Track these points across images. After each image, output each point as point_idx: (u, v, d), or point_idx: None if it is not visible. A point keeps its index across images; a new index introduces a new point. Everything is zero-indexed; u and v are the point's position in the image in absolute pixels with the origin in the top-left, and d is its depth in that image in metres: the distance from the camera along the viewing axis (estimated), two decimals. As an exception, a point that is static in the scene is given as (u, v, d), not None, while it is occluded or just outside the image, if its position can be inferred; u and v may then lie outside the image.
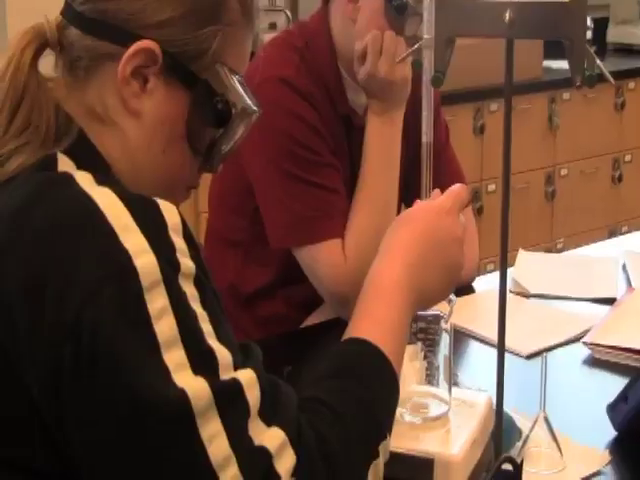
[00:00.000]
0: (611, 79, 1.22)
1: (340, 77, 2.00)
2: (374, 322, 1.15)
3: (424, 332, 1.32)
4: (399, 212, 1.97)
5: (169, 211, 1.00)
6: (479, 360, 1.87)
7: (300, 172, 1.91)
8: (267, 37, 3.43)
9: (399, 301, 1.17)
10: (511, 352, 1.79)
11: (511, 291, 2.08)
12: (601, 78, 1.20)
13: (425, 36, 1.29)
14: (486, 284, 2.16)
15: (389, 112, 1.94)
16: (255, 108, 1.17)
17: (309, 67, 1.97)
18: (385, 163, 1.95)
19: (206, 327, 0.97)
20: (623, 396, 1.53)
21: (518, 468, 1.27)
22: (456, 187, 1.30)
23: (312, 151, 1.92)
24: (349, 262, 1.89)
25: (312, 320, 2.03)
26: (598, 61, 1.19)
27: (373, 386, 1.10)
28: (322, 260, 1.92)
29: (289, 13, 3.85)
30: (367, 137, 1.95)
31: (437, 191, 1.31)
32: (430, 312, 1.31)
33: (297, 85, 1.93)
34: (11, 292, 0.95)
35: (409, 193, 2.11)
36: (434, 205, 1.27)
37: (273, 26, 3.88)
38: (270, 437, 0.97)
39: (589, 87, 1.19)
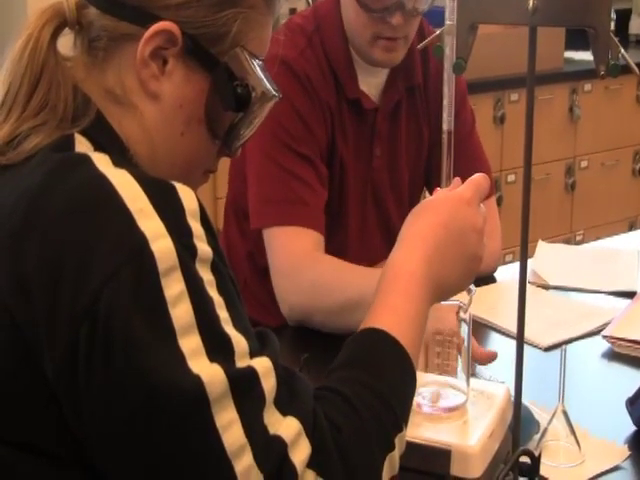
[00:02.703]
0: (635, 68, 1.21)
1: (351, 60, 1.99)
2: (392, 312, 1.14)
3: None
4: (419, 200, 1.95)
5: (187, 195, 0.98)
6: (498, 351, 1.85)
7: (277, 156, 1.92)
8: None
9: (417, 292, 1.16)
10: (530, 344, 1.78)
11: (530, 282, 2.07)
12: (623, 69, 1.18)
13: (447, 22, 1.27)
14: (505, 275, 2.14)
15: None
16: (275, 93, 1.15)
17: (316, 51, 1.96)
18: None
19: (222, 314, 0.96)
20: (643, 390, 1.52)
21: (536, 461, 1.26)
22: (477, 176, 1.28)
23: (293, 138, 1.93)
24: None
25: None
26: (622, 50, 1.18)
27: (390, 377, 1.08)
28: (279, 244, 1.91)
29: (309, -2, 3.84)
30: None
31: (457, 179, 1.29)
32: (449, 301, 1.29)
33: (296, 68, 1.93)
34: (29, 274, 0.95)
35: (432, 180, 2.11)
36: (454, 195, 1.25)
37: (293, 11, 3.87)
38: (285, 426, 0.96)
39: (613, 77, 1.17)
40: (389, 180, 2.10)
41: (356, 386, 1.05)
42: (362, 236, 2.10)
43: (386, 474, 1.03)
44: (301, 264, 1.87)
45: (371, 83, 2.01)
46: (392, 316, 1.13)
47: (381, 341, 1.11)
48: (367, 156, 2.04)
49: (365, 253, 2.06)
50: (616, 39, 1.18)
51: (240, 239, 2.10)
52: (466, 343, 1.32)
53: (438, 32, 1.30)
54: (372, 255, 2.02)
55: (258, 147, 1.93)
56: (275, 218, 1.92)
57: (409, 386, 1.11)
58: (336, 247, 1.98)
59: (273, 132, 1.91)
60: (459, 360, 1.32)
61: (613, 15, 3.93)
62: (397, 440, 1.05)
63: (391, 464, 1.04)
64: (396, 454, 1.05)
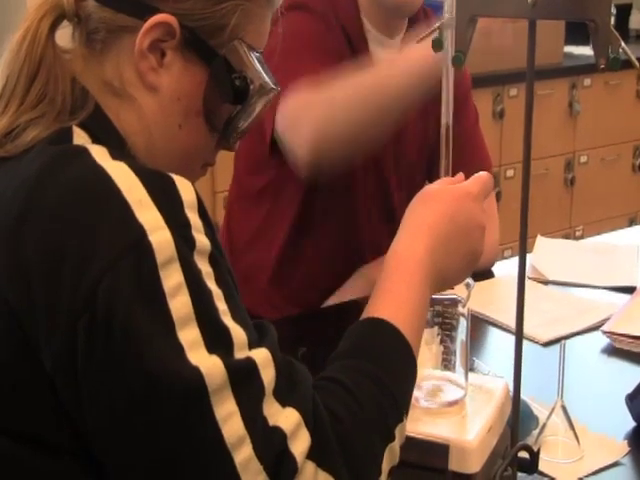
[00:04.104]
0: (635, 62, 1.20)
1: (363, 31, 1.98)
2: (393, 302, 1.14)
3: (441, 316, 1.30)
4: (423, 184, 1.94)
5: (185, 187, 0.98)
6: (496, 346, 1.86)
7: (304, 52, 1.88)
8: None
9: (420, 281, 1.16)
10: (529, 339, 1.78)
11: (529, 277, 2.06)
12: (624, 64, 1.18)
13: (446, 15, 1.27)
14: (504, 270, 2.14)
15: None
16: (273, 86, 1.15)
17: (329, 25, 1.95)
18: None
19: (221, 305, 0.96)
20: (642, 386, 1.52)
21: (535, 456, 1.26)
22: (484, 174, 1.28)
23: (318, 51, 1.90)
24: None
25: (330, 302, 2.02)
26: (623, 44, 1.17)
27: (391, 366, 1.08)
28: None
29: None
30: None
31: (461, 174, 1.29)
32: (447, 296, 1.29)
33: (318, 10, 1.92)
34: (28, 264, 0.95)
35: (432, 176, 2.10)
36: (461, 189, 1.24)
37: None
38: (285, 417, 0.95)
39: (613, 70, 1.17)
40: (393, 159, 2.08)
41: (357, 375, 1.05)
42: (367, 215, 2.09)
43: (386, 464, 1.03)
44: (304, 103, 1.83)
45: (379, 55, 2.00)
46: (394, 306, 1.13)
47: (382, 331, 1.11)
48: None
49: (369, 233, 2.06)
50: (616, 33, 1.17)
51: (246, 223, 2.09)
52: (465, 338, 1.32)
53: (437, 25, 1.29)
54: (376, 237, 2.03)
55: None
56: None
57: (410, 376, 1.10)
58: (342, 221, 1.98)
59: (301, 41, 1.88)
60: (457, 355, 1.32)
61: (613, 10, 3.92)
62: (397, 430, 1.05)
63: (391, 454, 1.04)
64: (396, 444, 1.05)
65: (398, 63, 1.84)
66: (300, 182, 1.95)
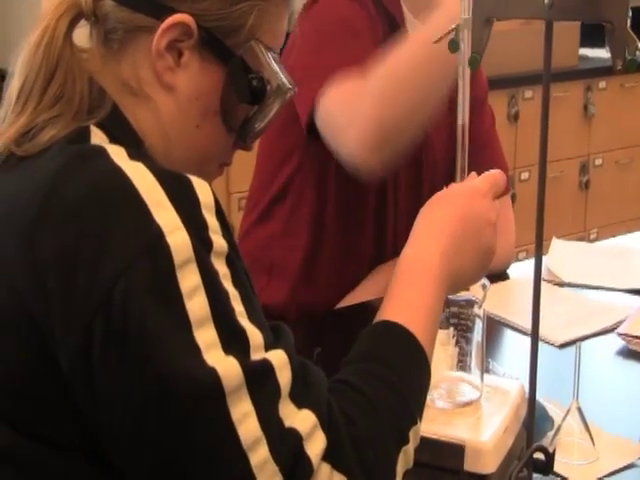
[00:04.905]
0: (653, 63, 1.20)
1: (402, 14, 1.97)
2: (406, 306, 1.14)
3: (457, 317, 1.30)
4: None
5: (202, 188, 0.98)
6: (512, 348, 1.85)
7: (337, 41, 1.86)
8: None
9: (432, 284, 1.16)
10: (544, 341, 1.78)
11: (544, 279, 2.06)
12: (640, 66, 1.18)
13: (462, 16, 1.27)
14: (519, 272, 2.14)
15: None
16: (290, 86, 1.15)
17: (370, 8, 1.94)
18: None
19: (238, 307, 0.96)
20: (658, 388, 1.51)
21: (550, 457, 1.25)
22: (494, 172, 1.28)
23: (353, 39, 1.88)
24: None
25: (344, 303, 2.02)
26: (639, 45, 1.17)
27: (405, 370, 1.08)
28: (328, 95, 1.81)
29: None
30: None
31: (473, 174, 1.29)
32: (463, 297, 1.29)
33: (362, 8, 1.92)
34: (44, 263, 0.95)
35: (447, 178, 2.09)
36: (469, 187, 1.25)
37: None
38: (301, 419, 0.95)
39: (630, 72, 1.16)
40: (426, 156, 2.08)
41: (371, 379, 1.05)
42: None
43: (401, 467, 1.03)
44: (354, 95, 1.78)
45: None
46: (407, 309, 1.13)
47: (396, 334, 1.10)
48: None
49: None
50: (633, 34, 1.17)
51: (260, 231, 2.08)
52: (480, 339, 1.32)
53: (454, 26, 1.29)
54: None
55: (315, 33, 1.88)
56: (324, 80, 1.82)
57: (424, 379, 1.10)
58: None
59: (333, 27, 1.87)
60: (473, 356, 1.32)
61: (630, 12, 3.91)
62: (412, 433, 1.05)
63: (406, 457, 1.04)
64: (411, 447, 1.05)
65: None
66: (323, 178, 1.95)
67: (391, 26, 1.95)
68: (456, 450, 1.22)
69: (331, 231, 2.03)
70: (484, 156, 1.95)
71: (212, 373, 0.91)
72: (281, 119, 1.93)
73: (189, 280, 0.93)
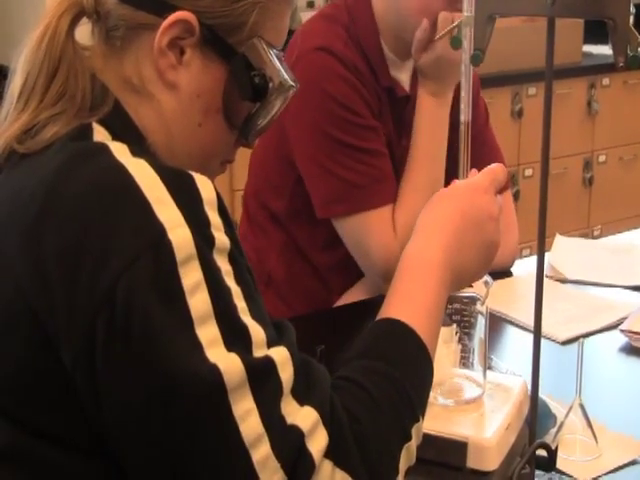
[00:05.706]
0: (655, 60, 1.20)
1: (382, 52, 1.99)
2: (409, 303, 1.14)
3: (459, 314, 1.30)
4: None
5: (204, 185, 0.98)
6: (514, 344, 1.85)
7: (345, 136, 1.91)
8: (304, 15, 3.43)
9: (434, 282, 1.16)
10: (547, 337, 1.78)
11: (547, 276, 2.06)
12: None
13: (465, 13, 1.27)
14: (522, 269, 2.14)
15: (445, 93, 1.95)
16: (292, 83, 1.15)
17: (355, 42, 1.96)
18: (437, 142, 1.96)
19: (240, 303, 0.96)
20: (660, 385, 1.51)
21: (553, 454, 1.25)
22: (494, 166, 1.28)
23: (356, 114, 1.92)
24: (399, 238, 1.88)
25: (345, 300, 2.02)
26: (642, 41, 1.17)
27: (407, 367, 1.08)
28: (374, 228, 1.91)
29: (327, -9, 3.84)
30: (420, 117, 1.96)
31: (474, 170, 1.29)
32: (466, 294, 1.29)
33: (344, 57, 1.93)
34: (47, 260, 0.95)
35: (448, 175, 2.10)
36: (470, 183, 1.25)
37: (311, 5, 3.87)
38: (303, 416, 0.95)
39: (632, 69, 1.16)
40: None
41: (373, 376, 1.05)
42: None
43: (403, 464, 1.03)
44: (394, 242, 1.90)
45: (398, 77, 2.01)
46: (410, 306, 1.13)
47: (398, 331, 1.11)
48: (399, 138, 2.03)
49: None
50: (635, 31, 1.17)
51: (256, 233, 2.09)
52: (483, 336, 1.32)
53: (456, 23, 1.29)
54: None
55: (319, 134, 1.91)
56: (356, 203, 1.92)
57: (426, 376, 1.10)
58: None
59: (335, 114, 1.90)
60: (476, 352, 1.32)
61: (632, 9, 3.91)
62: (414, 430, 1.05)
63: (408, 454, 1.04)
64: (413, 444, 1.05)
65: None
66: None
67: (370, 67, 1.98)
68: (459, 447, 1.22)
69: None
70: (482, 153, 1.95)
71: (214, 370, 0.91)
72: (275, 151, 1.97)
73: (191, 277, 0.93)
